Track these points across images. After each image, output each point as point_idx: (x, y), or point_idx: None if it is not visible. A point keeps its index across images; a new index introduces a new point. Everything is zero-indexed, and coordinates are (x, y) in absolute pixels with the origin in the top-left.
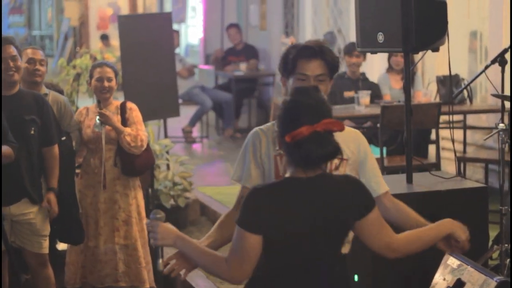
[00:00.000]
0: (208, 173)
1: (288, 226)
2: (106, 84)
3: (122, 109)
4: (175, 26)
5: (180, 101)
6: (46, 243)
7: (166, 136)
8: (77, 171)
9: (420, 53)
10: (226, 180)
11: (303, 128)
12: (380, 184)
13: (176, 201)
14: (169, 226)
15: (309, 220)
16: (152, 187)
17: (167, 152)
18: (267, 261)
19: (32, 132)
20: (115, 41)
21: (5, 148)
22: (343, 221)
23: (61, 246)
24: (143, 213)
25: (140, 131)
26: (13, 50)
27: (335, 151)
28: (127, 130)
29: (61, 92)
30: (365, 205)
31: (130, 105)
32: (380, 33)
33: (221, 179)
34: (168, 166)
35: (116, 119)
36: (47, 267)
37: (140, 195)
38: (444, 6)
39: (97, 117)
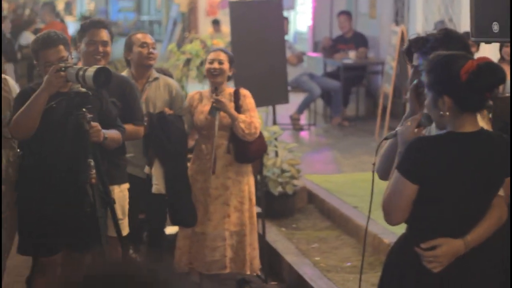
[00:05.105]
0: (316, 161)
1: (447, 179)
2: (216, 66)
3: (236, 96)
4: (284, 13)
5: (288, 88)
6: None
7: (274, 123)
8: (189, 155)
9: None
10: (333, 168)
11: (468, 63)
12: None
13: (284, 188)
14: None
15: (468, 175)
16: (261, 174)
17: (276, 139)
18: (420, 212)
19: None
20: (225, 27)
21: (115, 133)
22: (498, 177)
23: (169, 230)
24: (254, 200)
25: (254, 118)
26: (105, 35)
27: (503, 72)
28: (242, 117)
29: (170, 77)
30: None
31: (244, 92)
32: (495, 22)
33: (329, 167)
34: (276, 153)
35: (230, 106)
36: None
37: (252, 181)
38: None
39: (213, 103)
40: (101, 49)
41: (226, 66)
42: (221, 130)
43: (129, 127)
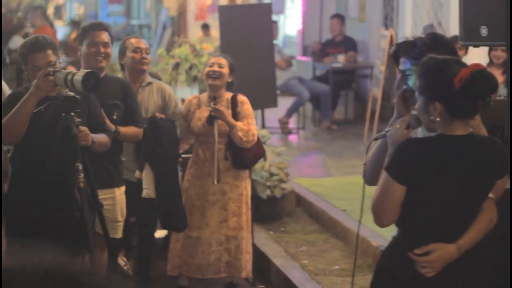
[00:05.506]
0: (304, 165)
1: (436, 181)
2: (216, 68)
3: (233, 102)
4: (273, 17)
5: (277, 92)
6: None
7: (263, 126)
8: (180, 159)
9: None
10: (322, 171)
11: (462, 70)
12: None
13: (273, 192)
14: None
15: (458, 177)
16: (249, 177)
17: (264, 143)
18: (409, 215)
19: (115, 117)
20: (214, 31)
21: (103, 137)
22: (489, 180)
23: (158, 234)
24: (250, 203)
25: (251, 125)
26: (106, 37)
27: (496, 81)
28: (239, 125)
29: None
30: (505, 166)
31: (241, 98)
32: (484, 26)
33: (317, 171)
34: (265, 157)
35: (228, 113)
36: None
37: (249, 185)
38: None
39: (211, 112)
40: (102, 50)
41: (225, 70)
42: (219, 137)
43: (130, 129)
